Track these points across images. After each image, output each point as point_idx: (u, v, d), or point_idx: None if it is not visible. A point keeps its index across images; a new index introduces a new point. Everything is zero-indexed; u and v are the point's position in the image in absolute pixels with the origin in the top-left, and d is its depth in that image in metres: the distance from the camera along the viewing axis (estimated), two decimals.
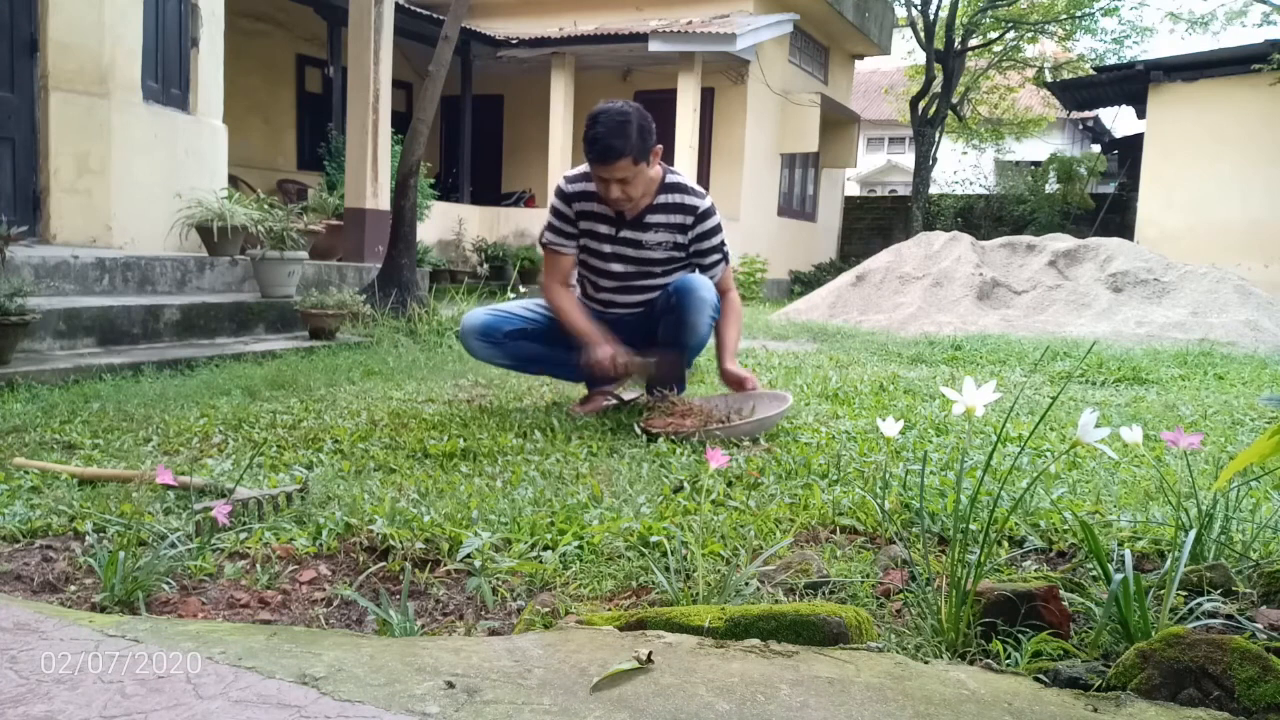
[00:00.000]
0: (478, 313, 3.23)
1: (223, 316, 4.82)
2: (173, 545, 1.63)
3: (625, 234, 3.07)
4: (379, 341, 5.10)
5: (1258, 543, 1.63)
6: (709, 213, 3.09)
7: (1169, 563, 1.46)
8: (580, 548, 1.70)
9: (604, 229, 3.09)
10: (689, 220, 3.07)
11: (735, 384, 3.07)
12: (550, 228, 3.14)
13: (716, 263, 3.15)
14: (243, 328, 4.94)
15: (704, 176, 12.88)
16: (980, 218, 17.24)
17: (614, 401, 3.25)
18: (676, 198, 3.06)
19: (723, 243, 3.15)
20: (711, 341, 3.19)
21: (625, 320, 3.22)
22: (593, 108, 2.94)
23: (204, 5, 6.20)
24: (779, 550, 1.65)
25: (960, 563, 1.32)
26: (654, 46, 11.50)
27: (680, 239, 3.09)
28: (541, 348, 3.23)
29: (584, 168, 3.10)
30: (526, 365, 3.35)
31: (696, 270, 3.15)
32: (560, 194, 3.11)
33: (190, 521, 1.78)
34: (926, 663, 1.21)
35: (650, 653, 1.17)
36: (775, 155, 14.16)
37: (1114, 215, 15.85)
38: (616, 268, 3.13)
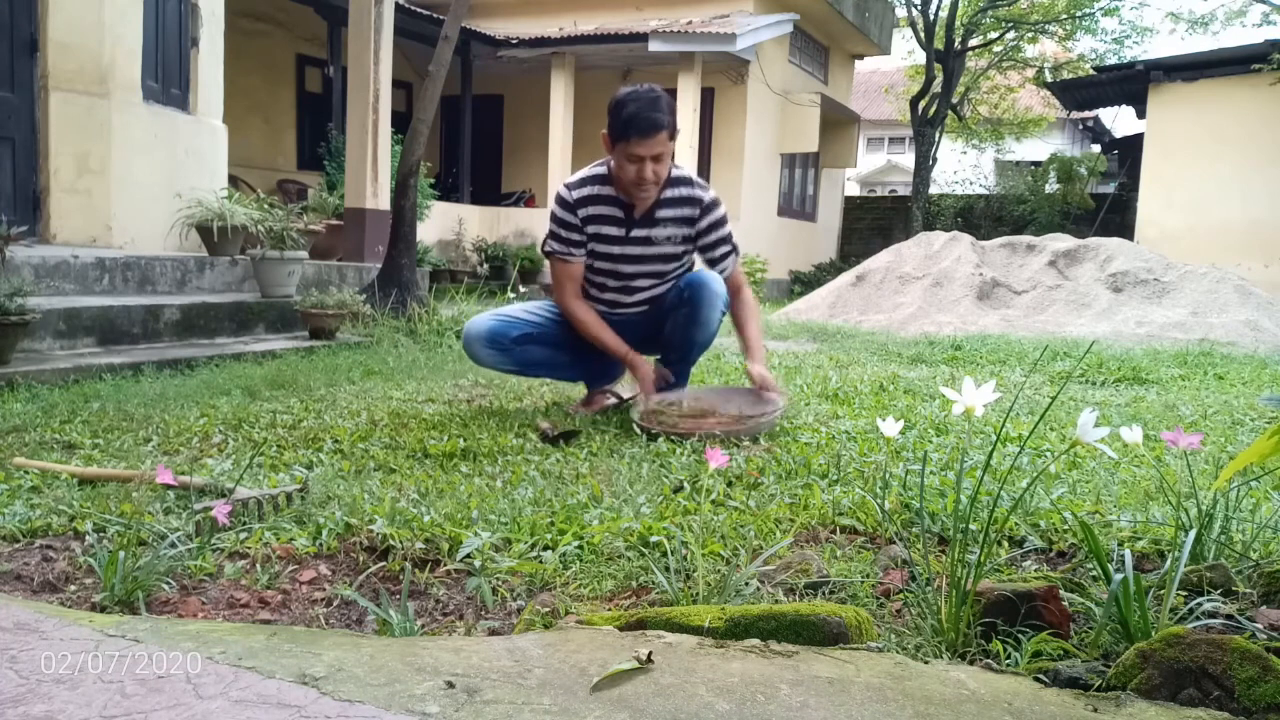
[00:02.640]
0: (482, 318, 3.16)
1: (223, 316, 4.82)
2: (173, 545, 1.63)
3: (636, 233, 3.03)
4: (379, 341, 5.10)
5: (1258, 543, 1.63)
6: (715, 204, 3.08)
7: (1169, 563, 1.46)
8: (580, 548, 1.70)
9: (614, 230, 3.04)
10: (695, 213, 3.05)
11: (761, 387, 3.01)
12: (555, 237, 3.05)
13: (726, 254, 3.10)
14: (243, 327, 4.94)
15: (704, 176, 12.85)
16: (980, 218, 17.23)
17: (614, 400, 3.25)
18: (683, 190, 3.04)
19: (730, 235, 3.12)
20: (718, 343, 3.18)
21: (628, 320, 3.20)
22: (615, 94, 2.90)
23: (204, 5, 6.20)
24: (779, 550, 1.65)
25: (960, 563, 1.32)
26: (654, 46, 11.50)
27: (688, 231, 3.06)
28: (548, 351, 3.18)
29: (585, 173, 3.07)
30: (531, 369, 3.28)
31: (705, 265, 3.13)
32: (564, 203, 3.03)
33: (190, 521, 1.78)
34: (926, 663, 1.21)
35: (650, 653, 1.17)
36: (775, 155, 14.15)
37: (1114, 215, 15.84)
38: (626, 268, 3.09)
